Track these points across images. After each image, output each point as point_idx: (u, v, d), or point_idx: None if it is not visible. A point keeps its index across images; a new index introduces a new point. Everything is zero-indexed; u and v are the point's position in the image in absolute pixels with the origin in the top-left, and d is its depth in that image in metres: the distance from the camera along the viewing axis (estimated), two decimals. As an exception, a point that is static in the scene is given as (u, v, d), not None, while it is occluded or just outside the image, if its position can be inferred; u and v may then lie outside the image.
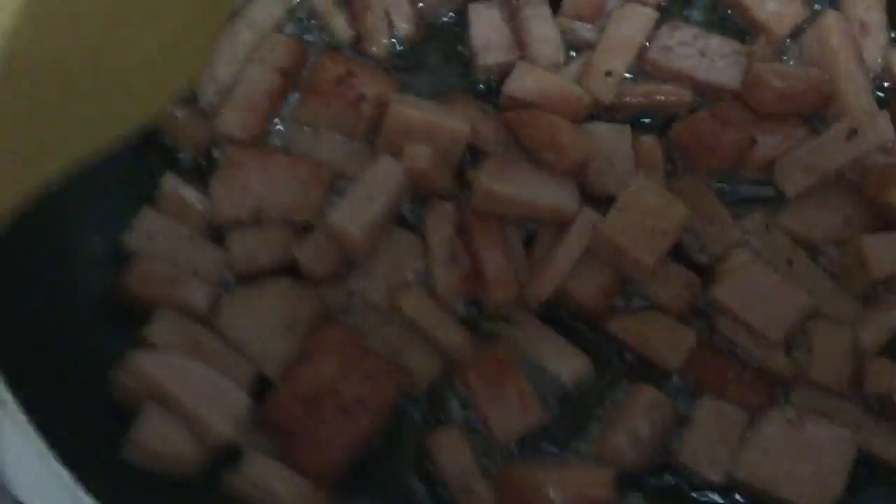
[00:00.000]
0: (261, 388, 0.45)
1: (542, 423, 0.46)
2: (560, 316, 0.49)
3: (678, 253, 0.48)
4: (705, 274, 0.48)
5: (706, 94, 0.51)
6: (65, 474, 0.35)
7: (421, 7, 0.53)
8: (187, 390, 0.42)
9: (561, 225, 0.47)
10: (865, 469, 0.46)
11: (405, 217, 0.49)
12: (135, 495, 0.40)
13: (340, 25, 0.51)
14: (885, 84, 0.53)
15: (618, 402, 0.47)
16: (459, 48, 0.53)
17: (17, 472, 0.39)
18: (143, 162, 0.48)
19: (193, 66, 0.42)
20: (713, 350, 0.48)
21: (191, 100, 0.49)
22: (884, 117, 0.49)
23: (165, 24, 0.38)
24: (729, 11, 0.53)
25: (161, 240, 0.47)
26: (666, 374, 0.48)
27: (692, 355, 0.47)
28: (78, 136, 0.36)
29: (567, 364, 0.47)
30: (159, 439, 0.42)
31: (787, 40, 0.53)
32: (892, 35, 0.53)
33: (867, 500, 0.46)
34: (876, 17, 0.52)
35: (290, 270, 0.47)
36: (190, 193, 0.48)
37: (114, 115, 0.38)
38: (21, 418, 0.36)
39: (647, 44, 0.51)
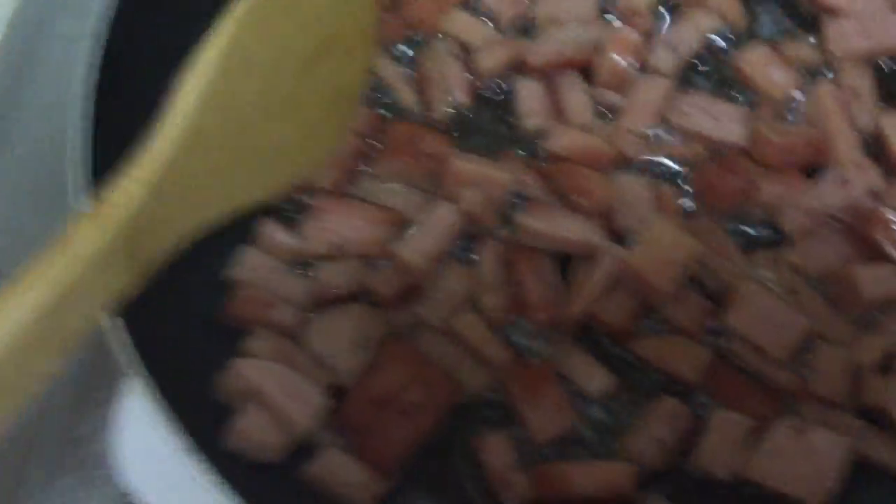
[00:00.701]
0: (337, 395, 0.54)
1: (575, 427, 0.54)
2: (595, 337, 0.57)
3: (693, 283, 0.56)
4: (718, 301, 0.56)
5: (716, 149, 0.59)
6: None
7: (475, 81, 0.63)
8: (276, 389, 0.51)
9: (591, 257, 0.56)
10: (862, 472, 0.52)
11: (460, 254, 0.58)
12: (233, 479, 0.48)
13: (408, 97, 0.62)
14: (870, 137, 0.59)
15: (645, 412, 0.55)
16: (507, 115, 0.63)
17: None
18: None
19: (320, 155, 0.53)
20: (727, 367, 0.54)
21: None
22: (871, 167, 0.57)
23: (298, 120, 0.50)
24: (736, 81, 0.62)
25: (259, 271, 0.57)
26: (688, 388, 0.55)
27: (708, 372, 0.54)
28: (231, 191, 0.47)
29: (593, 379, 0.54)
30: (254, 430, 0.51)
31: (787, 104, 0.61)
32: (876, 103, 0.60)
33: (863, 499, 0.52)
34: (865, 84, 0.60)
35: (364, 297, 0.57)
36: (283, 234, 0.58)
37: (259, 180, 0.49)
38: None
39: (666, 107, 0.60)
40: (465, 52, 0.63)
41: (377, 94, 0.63)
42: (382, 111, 0.62)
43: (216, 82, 0.42)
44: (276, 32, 0.46)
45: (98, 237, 0.37)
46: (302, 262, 0.57)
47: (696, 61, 0.62)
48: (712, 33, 0.63)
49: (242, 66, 0.44)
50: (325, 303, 0.56)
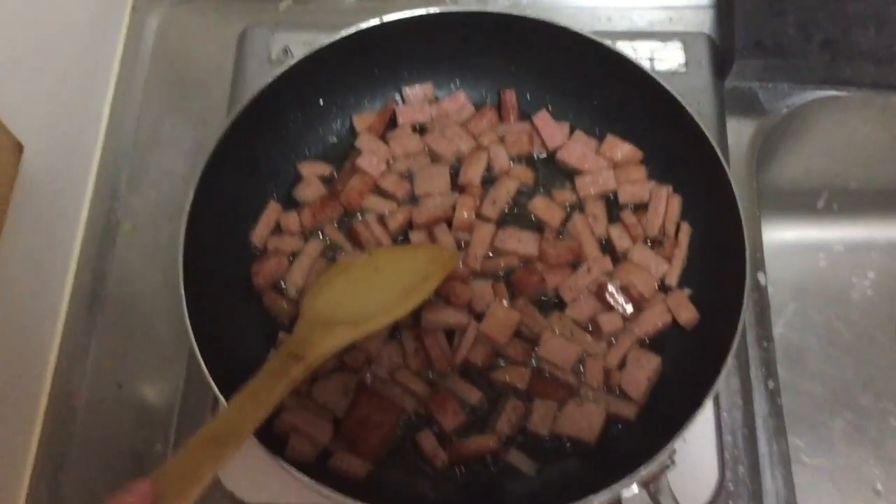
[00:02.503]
0: (336, 421, 0.98)
1: (468, 421, 0.99)
2: (470, 372, 1.03)
3: (518, 335, 1.03)
4: (533, 343, 1.02)
5: (522, 259, 1.06)
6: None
7: (388, 235, 1.09)
8: (305, 426, 0.95)
9: (463, 330, 1.02)
10: (614, 421, 1.00)
11: (393, 336, 1.03)
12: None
13: (349, 249, 1.07)
14: (604, 241, 1.08)
15: (500, 407, 1.01)
16: (407, 251, 1.09)
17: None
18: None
19: (421, 296, 0.93)
20: (541, 378, 1.01)
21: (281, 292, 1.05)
22: (604, 259, 1.05)
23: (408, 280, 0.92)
24: (526, 216, 1.09)
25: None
26: (521, 391, 1.01)
27: (530, 381, 1.00)
28: (374, 314, 0.88)
29: (471, 395, 0.99)
30: (297, 448, 0.94)
31: (559, 228, 1.09)
32: (607, 221, 1.08)
33: (613, 432, 0.99)
34: (600, 211, 1.08)
35: (343, 368, 1.01)
36: None
37: (388, 310, 0.90)
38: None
39: (493, 238, 1.06)
40: (381, 218, 1.09)
41: (330, 251, 1.08)
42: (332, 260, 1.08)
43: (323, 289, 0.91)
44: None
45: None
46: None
47: (507, 208, 1.10)
48: (515, 190, 1.10)
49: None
50: (321, 375, 1.00)
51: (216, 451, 0.67)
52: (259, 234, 1.07)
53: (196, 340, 0.89)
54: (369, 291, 0.92)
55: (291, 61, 1.04)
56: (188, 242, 0.95)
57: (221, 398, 0.86)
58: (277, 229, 1.06)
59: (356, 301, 0.90)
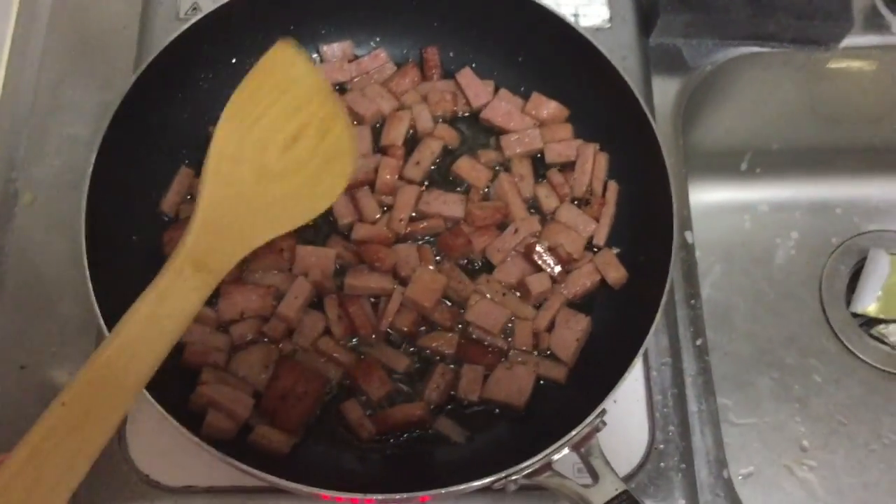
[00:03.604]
0: (257, 395, 0.93)
1: (395, 389, 0.96)
2: (396, 339, 0.99)
3: (445, 299, 1.00)
4: (460, 306, 0.99)
5: (448, 221, 1.03)
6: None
7: (305, 199, 1.04)
8: (223, 399, 0.90)
9: (388, 295, 0.98)
10: (543, 384, 0.98)
11: (315, 304, 0.98)
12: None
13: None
14: (532, 202, 1.05)
15: (428, 374, 0.97)
16: (330, 217, 1.04)
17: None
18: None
19: (321, 200, 0.82)
20: (469, 342, 0.97)
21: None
22: (532, 219, 1.03)
23: (292, 180, 0.77)
24: (451, 178, 1.06)
25: (196, 334, 0.95)
26: (449, 357, 0.98)
27: (458, 346, 0.96)
28: (259, 228, 0.75)
29: (399, 362, 0.95)
30: (216, 423, 0.89)
31: (485, 189, 1.06)
32: (534, 181, 1.06)
33: (543, 396, 0.97)
34: (526, 170, 1.05)
35: (262, 339, 0.96)
36: (209, 310, 0.93)
37: (279, 218, 0.77)
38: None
39: (417, 201, 1.03)
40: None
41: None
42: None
43: (220, 166, 0.69)
44: (253, 133, 0.72)
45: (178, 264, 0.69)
46: (222, 325, 0.97)
47: (431, 170, 1.06)
48: (439, 151, 1.06)
49: (235, 155, 0.70)
50: (239, 346, 0.95)
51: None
52: (170, 200, 1.01)
53: (102, 316, 0.83)
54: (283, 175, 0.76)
55: (199, 15, 0.98)
56: (91, 211, 0.89)
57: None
58: (190, 196, 1.00)
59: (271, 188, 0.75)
